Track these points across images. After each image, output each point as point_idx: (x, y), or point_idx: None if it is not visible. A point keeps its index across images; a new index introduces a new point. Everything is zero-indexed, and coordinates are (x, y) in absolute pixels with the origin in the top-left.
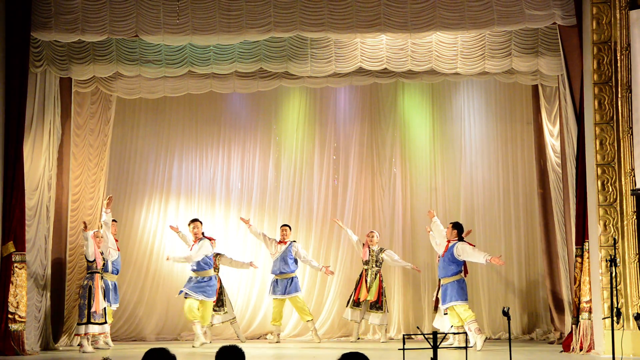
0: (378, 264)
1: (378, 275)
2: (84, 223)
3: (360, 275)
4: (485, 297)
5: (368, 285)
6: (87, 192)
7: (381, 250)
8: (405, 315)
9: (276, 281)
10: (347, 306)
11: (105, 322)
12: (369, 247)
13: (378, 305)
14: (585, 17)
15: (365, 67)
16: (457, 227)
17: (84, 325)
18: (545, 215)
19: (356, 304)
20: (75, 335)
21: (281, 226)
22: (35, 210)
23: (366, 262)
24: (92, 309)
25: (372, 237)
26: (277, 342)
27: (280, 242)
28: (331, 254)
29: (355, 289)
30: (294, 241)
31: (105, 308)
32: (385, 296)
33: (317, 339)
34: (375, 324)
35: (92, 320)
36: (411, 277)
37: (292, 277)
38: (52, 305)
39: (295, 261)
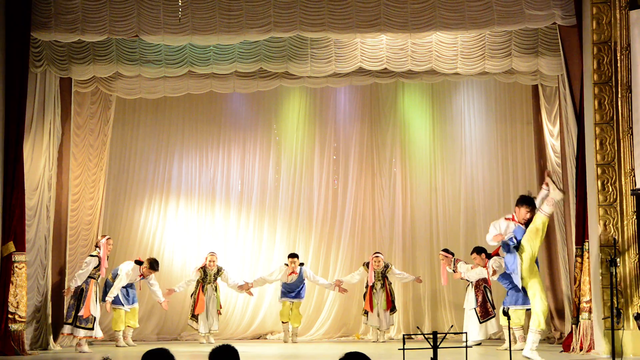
0: (384, 279)
1: (385, 285)
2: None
3: (366, 291)
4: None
5: (378, 301)
6: (87, 192)
7: (386, 268)
8: (405, 315)
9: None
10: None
11: (92, 329)
12: (374, 270)
13: (392, 308)
14: (585, 17)
15: (365, 67)
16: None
17: (68, 326)
18: None
19: (365, 312)
20: (60, 333)
21: (290, 258)
22: (35, 210)
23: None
24: (80, 313)
25: (379, 260)
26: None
27: (291, 273)
28: (331, 254)
29: (365, 301)
30: (302, 264)
31: (95, 316)
32: (393, 296)
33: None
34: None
35: (77, 324)
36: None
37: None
38: (52, 305)
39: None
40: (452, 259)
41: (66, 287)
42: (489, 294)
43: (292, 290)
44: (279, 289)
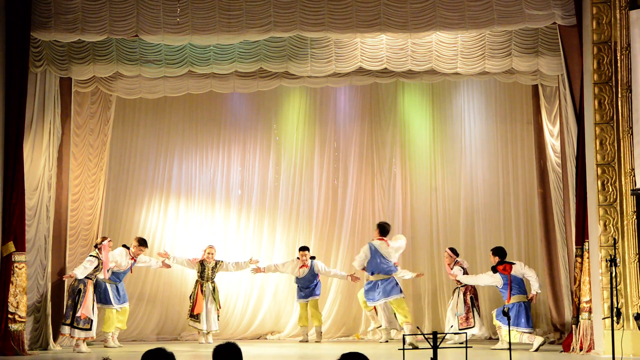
0: None
1: None
2: None
3: None
4: (486, 297)
5: None
6: (87, 192)
7: None
8: None
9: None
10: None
11: (90, 329)
12: None
13: None
14: (585, 17)
15: (365, 67)
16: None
17: (67, 327)
18: (545, 215)
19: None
20: (60, 334)
21: (301, 251)
22: (35, 210)
23: None
24: (78, 314)
25: None
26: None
27: (302, 266)
28: (331, 254)
29: None
30: (313, 257)
31: (92, 318)
32: None
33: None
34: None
35: (75, 324)
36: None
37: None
38: (52, 305)
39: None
40: (455, 260)
41: (68, 273)
42: (474, 302)
43: (306, 286)
44: (293, 286)
